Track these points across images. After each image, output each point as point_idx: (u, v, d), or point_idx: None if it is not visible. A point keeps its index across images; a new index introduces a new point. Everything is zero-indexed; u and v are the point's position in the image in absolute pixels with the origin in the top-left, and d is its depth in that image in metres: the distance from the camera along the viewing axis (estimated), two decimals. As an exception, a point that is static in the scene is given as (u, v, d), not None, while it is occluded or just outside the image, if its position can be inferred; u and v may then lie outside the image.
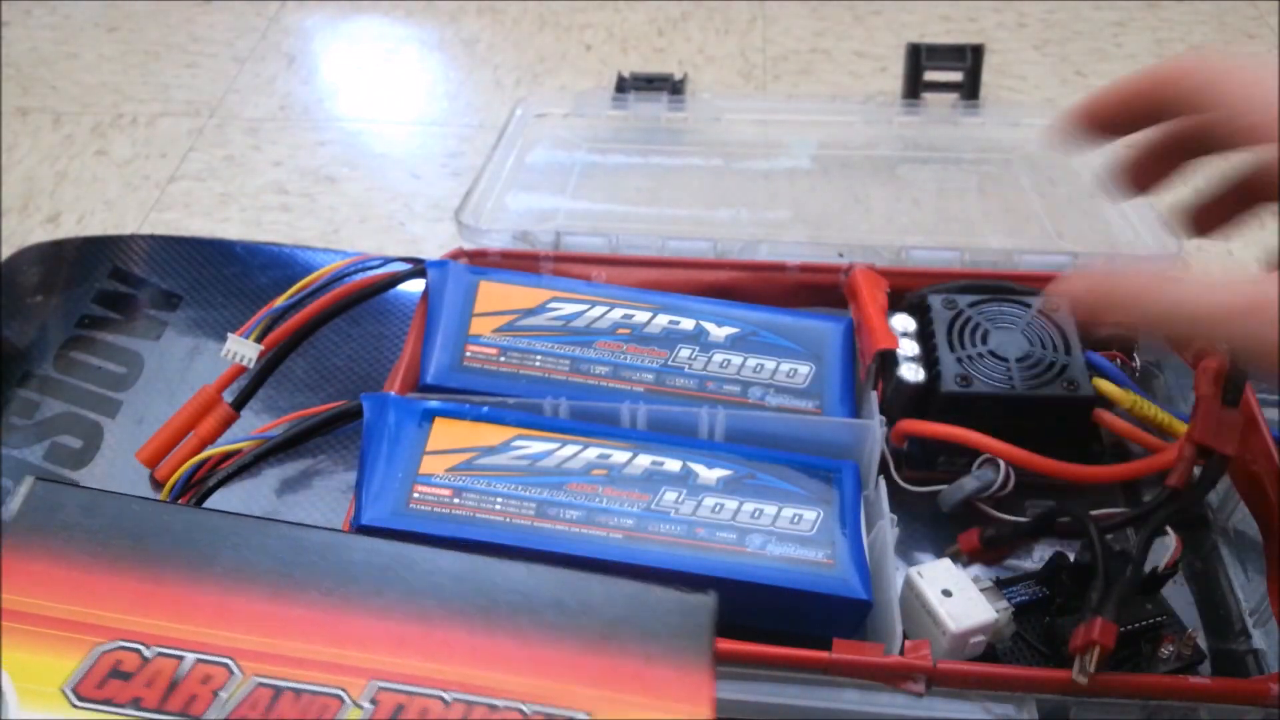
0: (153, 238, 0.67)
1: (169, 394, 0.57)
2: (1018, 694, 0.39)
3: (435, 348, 0.49)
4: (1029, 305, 0.51)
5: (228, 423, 0.51)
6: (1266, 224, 0.36)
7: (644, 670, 0.30)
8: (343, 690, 0.29)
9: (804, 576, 0.41)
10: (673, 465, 0.44)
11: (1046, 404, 0.49)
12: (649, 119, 0.72)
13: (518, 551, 0.41)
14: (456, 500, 0.42)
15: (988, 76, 0.74)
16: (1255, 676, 0.43)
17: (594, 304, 0.51)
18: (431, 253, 0.59)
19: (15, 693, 0.27)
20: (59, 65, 0.84)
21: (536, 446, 0.44)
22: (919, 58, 0.72)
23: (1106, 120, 0.36)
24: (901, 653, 0.39)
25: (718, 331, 0.50)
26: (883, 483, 0.44)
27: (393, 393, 0.46)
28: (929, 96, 0.73)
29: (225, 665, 0.29)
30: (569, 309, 0.50)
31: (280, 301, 0.51)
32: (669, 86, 0.72)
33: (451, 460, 0.44)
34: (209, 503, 0.46)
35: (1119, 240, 0.61)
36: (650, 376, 0.49)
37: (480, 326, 0.50)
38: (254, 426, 0.54)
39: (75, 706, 0.28)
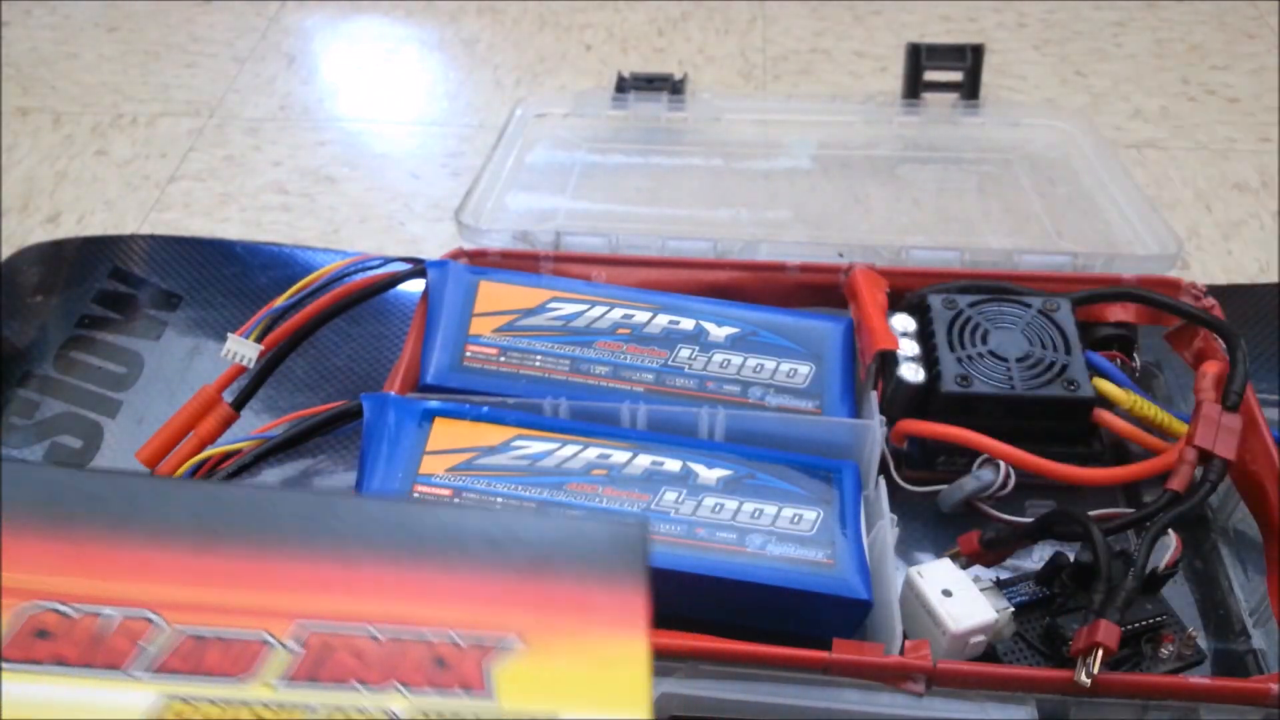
0: (153, 238, 0.67)
1: (169, 394, 0.57)
2: (1018, 694, 0.39)
3: (435, 348, 0.49)
4: (1029, 305, 0.51)
5: (228, 423, 0.51)
6: None
7: (576, 594, 0.30)
8: (269, 634, 0.29)
9: (804, 576, 0.41)
10: (673, 465, 0.44)
11: (1046, 404, 0.49)
12: (649, 119, 0.72)
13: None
14: (456, 501, 0.42)
15: (988, 76, 0.74)
16: (1255, 676, 0.43)
17: (594, 304, 0.50)
18: (431, 253, 0.59)
19: None
20: (59, 65, 0.84)
21: (536, 446, 0.44)
22: (919, 58, 0.72)
23: None
24: (901, 653, 0.39)
25: (718, 331, 0.50)
26: (883, 483, 0.44)
27: (393, 393, 0.46)
28: (929, 96, 0.73)
29: (149, 619, 0.29)
30: (569, 309, 0.50)
31: (280, 301, 0.51)
32: (669, 86, 0.72)
33: (451, 460, 0.44)
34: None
35: (1119, 240, 0.61)
36: (650, 376, 0.49)
37: (480, 326, 0.50)
38: (254, 426, 0.54)
39: None
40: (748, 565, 0.42)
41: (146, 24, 0.88)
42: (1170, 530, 0.42)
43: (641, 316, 0.50)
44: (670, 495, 0.43)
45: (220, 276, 0.64)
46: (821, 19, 0.88)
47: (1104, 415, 0.49)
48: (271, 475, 0.53)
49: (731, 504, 0.43)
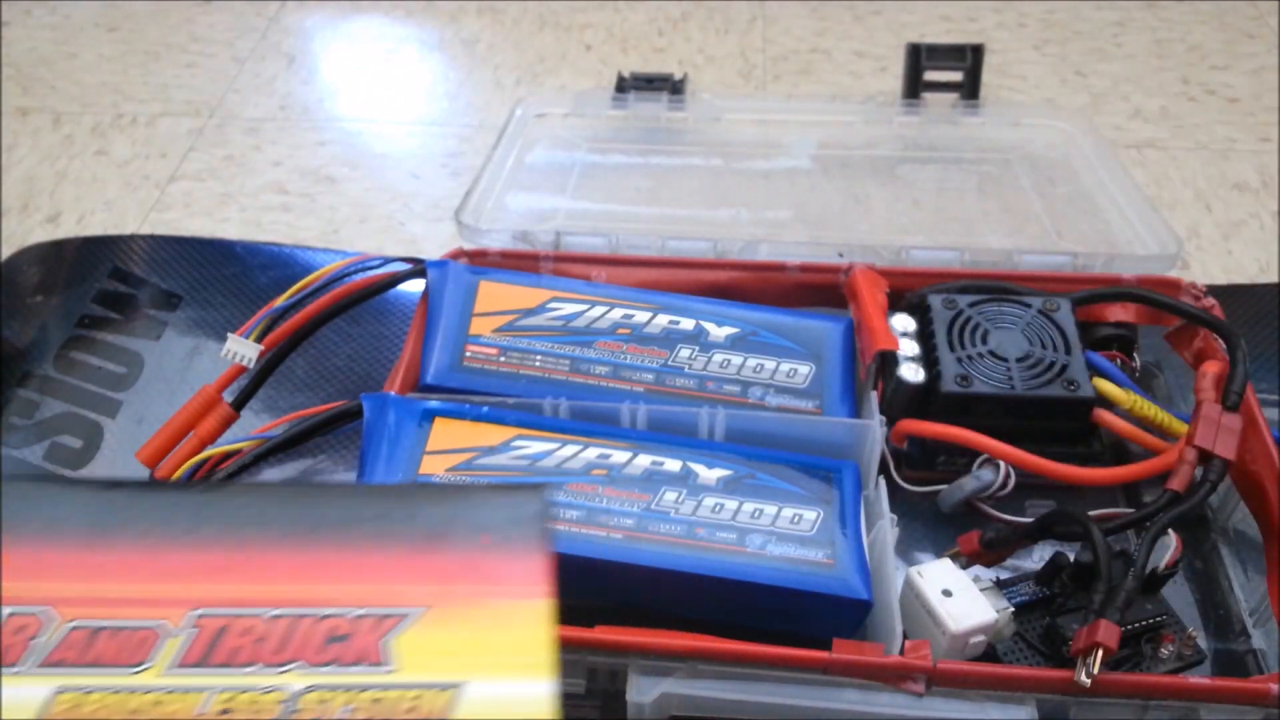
0: (153, 238, 0.67)
1: (169, 394, 0.57)
2: (1018, 694, 0.39)
3: (435, 348, 0.49)
4: (1029, 305, 0.51)
5: (228, 423, 0.51)
6: None
7: (478, 561, 0.30)
8: (162, 622, 0.29)
9: (804, 576, 0.41)
10: (673, 465, 0.44)
11: (1046, 404, 0.49)
12: (649, 119, 0.72)
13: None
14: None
15: (988, 76, 0.74)
16: (1255, 676, 0.43)
17: (594, 304, 0.50)
18: (431, 253, 0.59)
19: None
20: (59, 65, 0.84)
21: (536, 446, 0.44)
22: (919, 58, 0.72)
23: None
24: (901, 653, 0.39)
25: (718, 331, 0.50)
26: (883, 483, 0.44)
27: (393, 393, 0.46)
28: (929, 96, 0.73)
29: (38, 614, 0.29)
30: (569, 309, 0.50)
31: (280, 301, 0.51)
32: (669, 86, 0.72)
33: (451, 460, 0.44)
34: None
35: (1119, 240, 0.61)
36: (650, 376, 0.49)
37: (480, 326, 0.50)
38: (254, 426, 0.54)
39: None
40: (748, 565, 0.42)
41: (146, 24, 0.88)
42: (1170, 530, 0.43)
43: (641, 316, 0.50)
44: (670, 495, 0.43)
45: (220, 276, 0.64)
46: (821, 19, 0.88)
47: (1104, 415, 0.49)
48: (271, 475, 0.53)
49: (731, 504, 0.43)
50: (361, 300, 0.52)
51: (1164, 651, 0.42)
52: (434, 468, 0.43)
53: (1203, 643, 0.44)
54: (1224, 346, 0.49)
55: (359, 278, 0.52)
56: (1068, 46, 0.84)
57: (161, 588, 0.29)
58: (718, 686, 0.39)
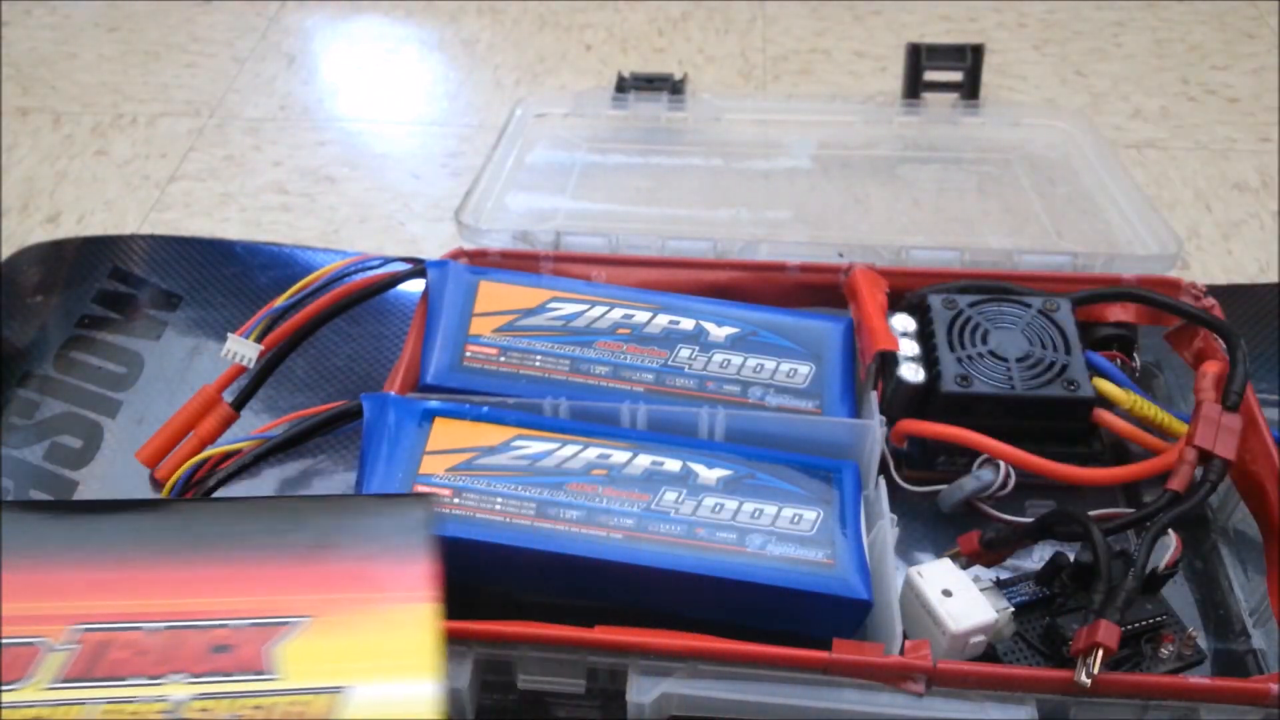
0: (153, 238, 0.67)
1: (169, 394, 0.57)
2: (1018, 694, 0.39)
3: (435, 348, 0.49)
4: (1029, 305, 0.51)
5: (228, 423, 0.51)
6: None
7: (363, 570, 0.31)
8: (43, 638, 0.29)
9: (804, 576, 0.41)
10: (673, 465, 0.44)
11: (1046, 404, 0.49)
12: (649, 119, 0.72)
13: (518, 552, 0.41)
14: (456, 500, 0.42)
15: (988, 76, 0.74)
16: (1255, 676, 0.43)
17: (594, 304, 0.50)
18: (431, 253, 0.59)
19: None
20: (59, 65, 0.84)
21: (536, 446, 0.44)
22: (919, 58, 0.72)
23: None
24: (901, 653, 0.39)
25: (718, 331, 0.50)
26: (883, 483, 0.44)
27: (393, 393, 0.46)
28: (929, 96, 0.73)
29: None
30: (569, 309, 0.50)
31: (280, 301, 0.51)
32: (669, 86, 0.72)
33: (451, 460, 0.44)
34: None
35: (1119, 240, 0.61)
36: (650, 376, 0.49)
37: (480, 326, 0.50)
38: (254, 426, 0.54)
39: None
40: (748, 565, 0.42)
41: (146, 24, 0.88)
42: (1170, 530, 0.43)
43: (641, 316, 0.50)
44: (670, 495, 0.43)
45: (220, 276, 0.64)
46: (821, 19, 0.88)
47: (1104, 415, 0.49)
48: (271, 475, 0.53)
49: (731, 504, 0.43)
50: (361, 300, 0.52)
51: (1164, 651, 0.42)
52: (434, 468, 0.43)
53: (1203, 643, 0.44)
54: (1224, 346, 0.49)
55: (359, 278, 0.52)
56: (1068, 46, 0.84)
57: (43, 605, 0.30)
58: (718, 686, 0.39)
